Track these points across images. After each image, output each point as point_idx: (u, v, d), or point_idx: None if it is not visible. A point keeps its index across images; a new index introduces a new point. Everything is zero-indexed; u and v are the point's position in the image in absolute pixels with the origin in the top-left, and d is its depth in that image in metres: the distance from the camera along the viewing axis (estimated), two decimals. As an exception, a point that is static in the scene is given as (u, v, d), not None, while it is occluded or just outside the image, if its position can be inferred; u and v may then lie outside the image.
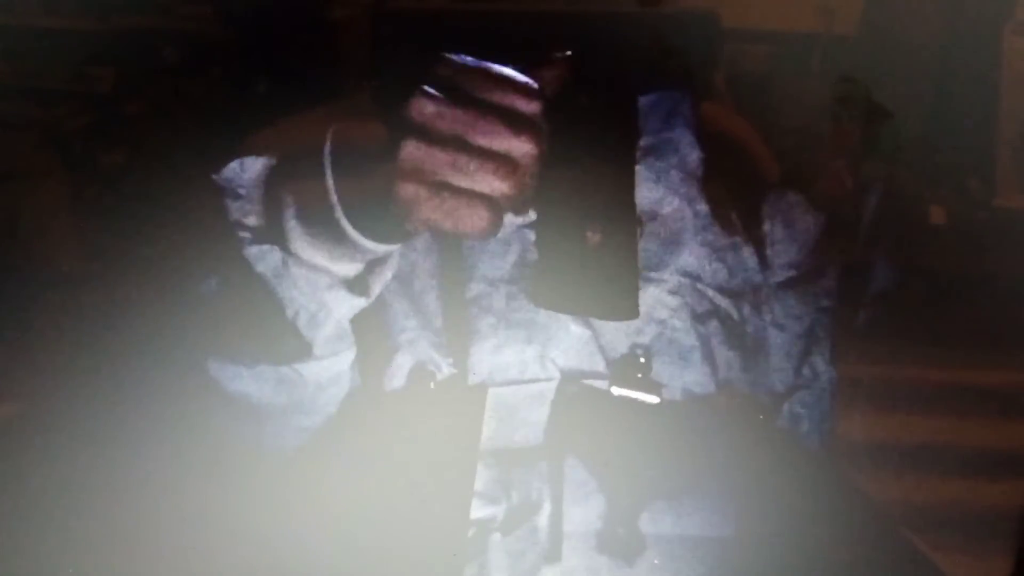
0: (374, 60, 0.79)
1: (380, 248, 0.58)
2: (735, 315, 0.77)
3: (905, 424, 1.06)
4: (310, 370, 0.67)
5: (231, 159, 0.66)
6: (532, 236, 0.72)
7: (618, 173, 0.69)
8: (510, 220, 0.73)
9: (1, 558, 0.83)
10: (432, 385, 0.75)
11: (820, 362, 0.83)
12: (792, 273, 0.81)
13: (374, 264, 0.63)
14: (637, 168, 0.73)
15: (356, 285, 0.64)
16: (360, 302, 0.64)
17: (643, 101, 0.73)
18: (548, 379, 0.74)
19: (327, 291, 0.62)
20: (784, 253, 0.80)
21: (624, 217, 0.68)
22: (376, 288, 0.65)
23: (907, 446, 1.05)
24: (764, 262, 0.79)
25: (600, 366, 0.74)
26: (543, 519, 0.74)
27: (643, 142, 0.75)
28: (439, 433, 0.76)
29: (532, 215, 0.69)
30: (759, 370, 0.79)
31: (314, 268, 0.61)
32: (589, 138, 0.68)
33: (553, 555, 0.74)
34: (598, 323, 0.74)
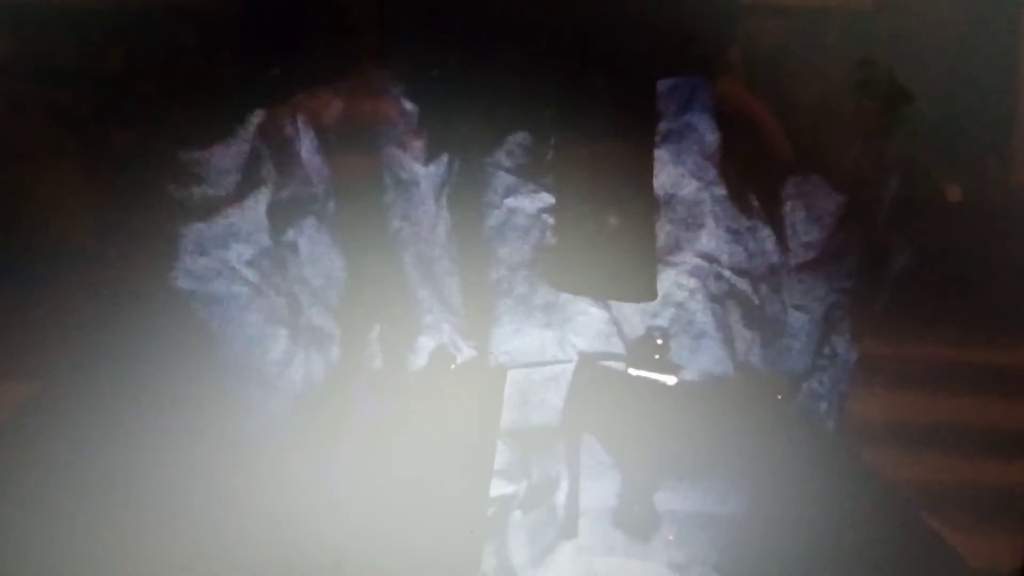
0: (381, 39, 0.80)
1: None
2: (754, 297, 0.77)
3: (920, 404, 1.06)
4: None
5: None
6: (551, 221, 0.72)
7: (636, 157, 0.69)
8: (530, 205, 0.74)
9: (20, 537, 0.85)
10: (453, 367, 0.76)
11: (840, 343, 0.83)
12: (812, 255, 0.81)
13: None
14: (655, 152, 0.73)
15: None
16: None
17: (662, 86, 0.73)
18: (567, 361, 0.75)
19: None
20: (804, 234, 0.80)
21: (642, 200, 0.68)
22: None
23: (922, 426, 1.05)
24: (783, 244, 0.79)
25: (618, 348, 0.75)
26: (561, 496, 0.75)
27: (661, 126, 0.75)
28: (460, 414, 0.77)
29: (551, 200, 0.70)
30: (778, 351, 0.79)
31: None
32: (607, 122, 0.68)
33: (570, 531, 0.75)
34: (616, 305, 0.75)
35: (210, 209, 0.78)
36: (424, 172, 0.76)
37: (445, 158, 0.76)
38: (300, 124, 0.78)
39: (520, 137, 0.75)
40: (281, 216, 0.78)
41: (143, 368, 0.82)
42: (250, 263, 0.78)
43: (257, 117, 0.78)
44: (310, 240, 0.78)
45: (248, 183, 0.78)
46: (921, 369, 1.08)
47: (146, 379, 0.82)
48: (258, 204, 0.78)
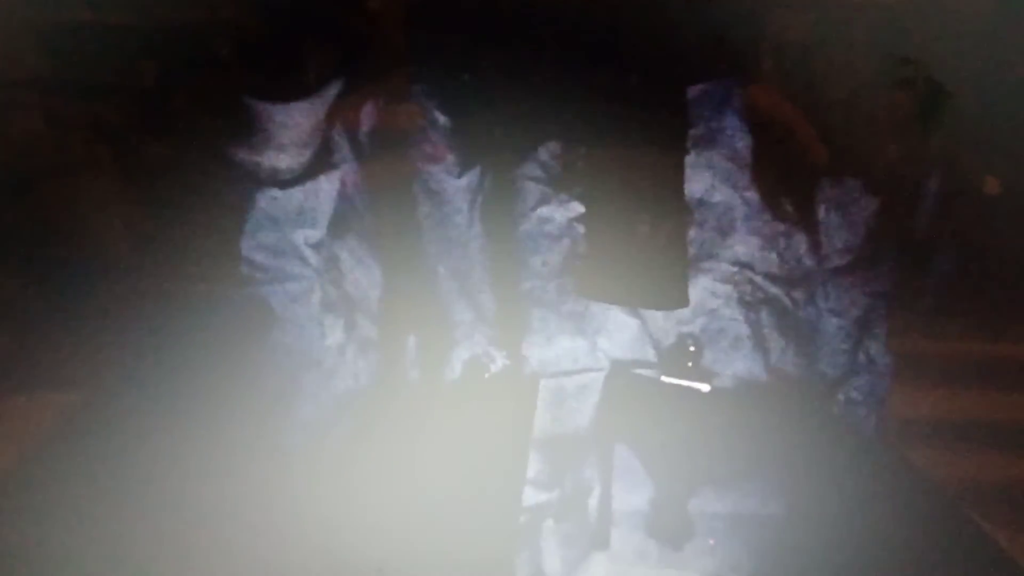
0: (409, 46, 0.80)
1: None
2: (788, 303, 0.77)
3: (963, 401, 1.04)
4: None
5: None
6: (582, 230, 0.72)
7: (667, 163, 0.69)
8: (561, 215, 0.74)
9: (69, 541, 0.86)
10: (487, 376, 0.77)
11: (876, 347, 0.82)
12: (848, 259, 0.80)
13: None
14: (687, 158, 0.73)
15: None
16: None
17: (693, 91, 0.73)
18: (598, 369, 0.75)
19: None
20: (839, 239, 0.80)
21: (673, 207, 0.68)
22: None
23: (965, 423, 1.03)
24: (818, 249, 0.79)
25: (650, 355, 0.75)
26: (594, 504, 0.75)
27: (693, 132, 0.74)
28: (493, 423, 0.77)
29: (581, 209, 0.70)
30: (813, 357, 0.79)
31: None
32: (638, 129, 0.67)
33: (603, 540, 0.75)
34: (648, 313, 0.74)
35: (284, 180, 0.80)
36: (456, 184, 0.77)
37: (477, 170, 0.77)
38: (336, 136, 0.79)
39: (551, 147, 0.75)
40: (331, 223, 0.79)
41: (188, 371, 0.84)
42: (314, 248, 0.79)
43: (333, 89, 0.79)
44: (350, 252, 0.79)
45: (321, 163, 0.80)
46: (963, 366, 1.06)
47: (192, 382, 0.84)
48: (330, 186, 0.79)
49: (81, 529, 0.87)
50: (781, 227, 0.77)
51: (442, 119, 0.76)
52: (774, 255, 0.77)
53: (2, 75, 0.90)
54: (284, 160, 0.79)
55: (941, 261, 0.97)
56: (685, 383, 0.74)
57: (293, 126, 0.80)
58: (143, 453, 0.88)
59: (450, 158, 0.77)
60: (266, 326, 0.81)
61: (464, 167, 0.77)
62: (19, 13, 0.83)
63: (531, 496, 0.76)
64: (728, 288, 0.76)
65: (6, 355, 0.96)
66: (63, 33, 0.90)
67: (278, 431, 0.82)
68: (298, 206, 0.79)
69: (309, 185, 0.79)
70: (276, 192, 0.79)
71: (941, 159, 0.98)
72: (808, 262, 0.79)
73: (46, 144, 0.96)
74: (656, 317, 0.74)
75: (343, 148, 0.78)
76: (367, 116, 0.78)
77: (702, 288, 0.75)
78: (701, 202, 0.74)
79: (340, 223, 0.80)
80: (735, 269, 0.76)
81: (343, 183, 0.78)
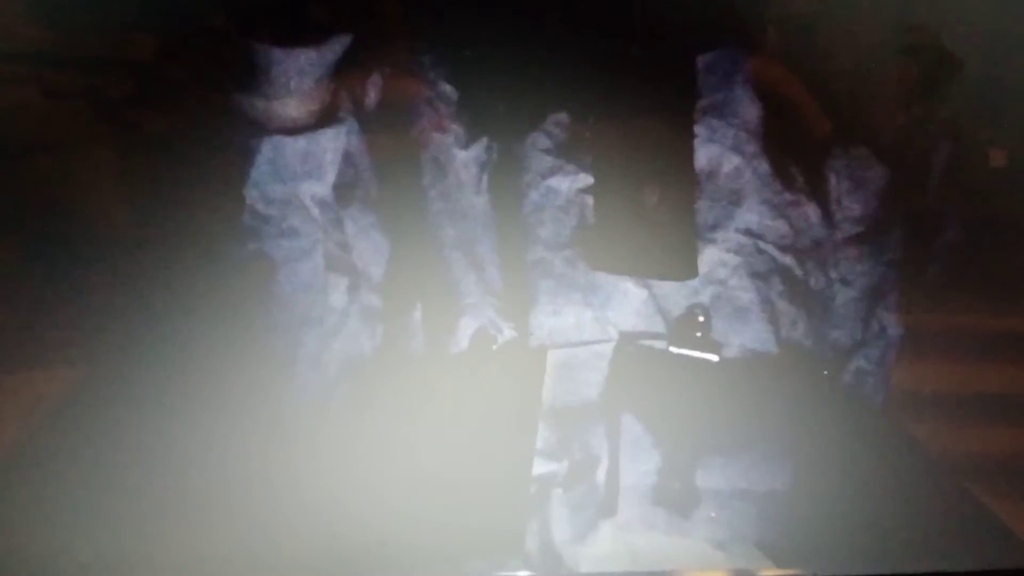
0: (410, 20, 0.79)
1: None
2: (798, 272, 0.76)
3: (967, 374, 1.04)
4: None
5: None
6: (590, 200, 0.72)
7: (675, 133, 0.68)
8: (568, 185, 0.73)
9: (72, 520, 0.86)
10: (494, 347, 0.77)
11: (887, 317, 0.82)
12: (859, 228, 0.80)
13: None
14: (695, 127, 0.72)
15: None
16: None
17: (700, 61, 0.72)
18: (607, 340, 0.75)
19: None
20: (849, 208, 0.79)
21: (682, 177, 0.67)
22: None
23: (970, 396, 1.04)
24: (828, 218, 0.78)
25: (658, 326, 0.75)
26: (602, 474, 0.76)
27: (701, 102, 0.73)
28: (501, 394, 0.77)
29: (590, 180, 0.69)
30: (824, 327, 0.78)
31: None
32: (646, 98, 0.67)
33: (611, 508, 0.76)
34: (656, 284, 0.74)
35: (289, 128, 0.78)
36: (463, 155, 0.76)
37: (484, 141, 0.76)
38: (342, 96, 0.78)
39: (558, 117, 0.74)
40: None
41: (184, 349, 0.84)
42: (319, 205, 0.78)
43: (339, 44, 0.78)
44: (355, 222, 0.79)
45: (327, 117, 0.78)
46: (968, 339, 1.06)
47: (188, 360, 0.84)
48: (336, 142, 0.78)
49: (89, 500, 0.88)
50: (791, 196, 0.77)
51: (448, 90, 0.75)
52: (784, 224, 0.76)
53: (1, 49, 0.89)
54: (289, 108, 0.78)
55: (946, 234, 0.97)
56: (694, 354, 0.74)
57: (298, 73, 0.78)
58: (148, 424, 0.89)
59: (456, 129, 0.76)
60: (267, 282, 0.80)
61: (470, 139, 0.76)
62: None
63: (540, 466, 0.76)
64: (738, 258, 0.75)
65: (7, 330, 0.96)
66: (59, 5, 0.89)
67: (279, 396, 0.82)
68: (303, 156, 0.78)
69: (315, 136, 0.78)
70: (282, 139, 0.78)
71: (948, 129, 0.97)
72: (819, 232, 0.78)
73: (43, 117, 0.95)
74: (665, 288, 0.74)
75: (348, 111, 0.77)
76: (373, 86, 0.77)
77: (711, 258, 0.74)
78: (710, 172, 0.74)
79: (345, 191, 0.79)
80: (745, 239, 0.75)
81: (348, 143, 0.77)
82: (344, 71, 0.78)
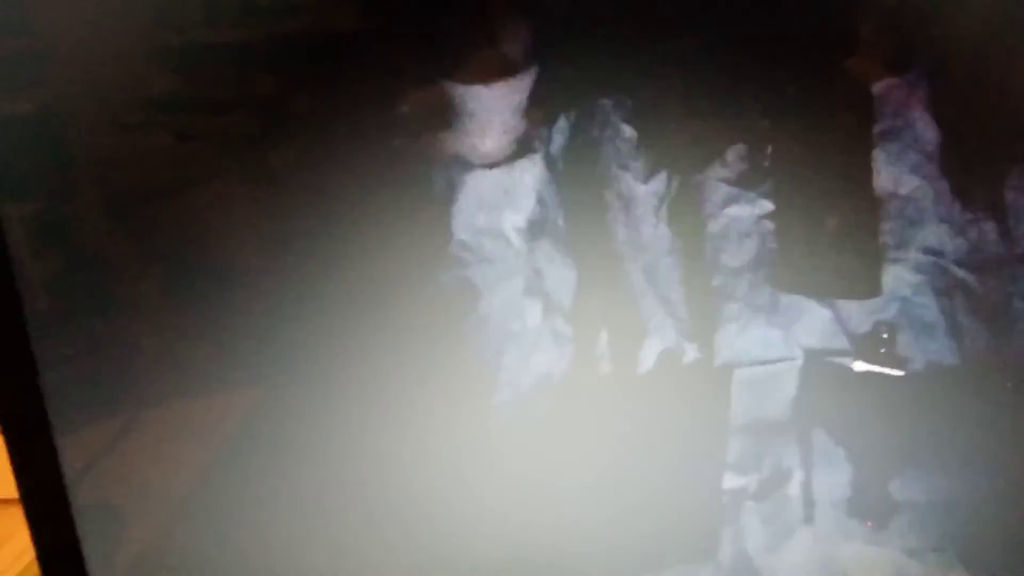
0: (595, 62, 0.84)
1: None
2: (979, 289, 0.77)
3: None
4: None
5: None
6: (771, 226, 0.76)
7: (853, 158, 0.72)
8: (749, 213, 0.78)
9: (253, 543, 0.91)
10: (680, 367, 0.81)
11: None
12: None
13: None
14: (873, 152, 0.75)
15: None
16: None
17: (877, 87, 0.75)
18: (792, 358, 0.78)
19: None
20: None
21: (862, 200, 0.70)
22: None
23: None
24: (1007, 235, 0.79)
25: (843, 344, 0.78)
26: (794, 488, 0.79)
27: (878, 127, 0.76)
28: (687, 412, 0.82)
29: (769, 206, 0.73)
30: (1006, 341, 0.79)
31: None
32: (822, 126, 0.70)
33: (807, 518, 0.78)
34: (840, 303, 0.77)
35: (490, 162, 0.82)
36: (644, 190, 0.81)
37: (663, 175, 0.81)
38: (532, 130, 0.83)
39: (737, 149, 0.79)
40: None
41: (384, 364, 0.86)
42: (519, 232, 0.83)
43: (527, 78, 0.79)
44: (544, 252, 0.85)
45: (521, 149, 0.83)
46: None
47: (380, 368, 0.86)
48: (532, 175, 0.82)
49: (275, 522, 0.90)
50: (971, 215, 0.78)
51: (629, 132, 0.81)
52: (965, 242, 0.78)
53: (138, 98, 0.94)
54: (488, 143, 0.83)
55: None
56: (879, 369, 0.77)
57: (491, 109, 0.82)
58: (328, 444, 0.90)
59: (636, 166, 0.82)
60: (470, 304, 0.84)
61: (651, 172, 0.82)
62: (147, 41, 0.87)
63: (730, 480, 0.80)
64: (920, 276, 0.77)
65: (156, 361, 0.99)
66: (186, 54, 0.93)
67: (479, 414, 0.85)
68: (504, 188, 0.82)
69: (512, 169, 0.82)
70: (484, 173, 0.83)
71: None
72: (999, 249, 0.79)
73: (177, 158, 0.99)
74: (849, 307, 0.77)
75: (538, 148, 0.83)
76: (558, 129, 0.83)
77: (894, 276, 0.76)
78: (889, 194, 0.77)
79: (536, 223, 0.85)
80: (927, 257, 0.77)
81: (539, 177, 0.83)
82: (532, 109, 0.84)
